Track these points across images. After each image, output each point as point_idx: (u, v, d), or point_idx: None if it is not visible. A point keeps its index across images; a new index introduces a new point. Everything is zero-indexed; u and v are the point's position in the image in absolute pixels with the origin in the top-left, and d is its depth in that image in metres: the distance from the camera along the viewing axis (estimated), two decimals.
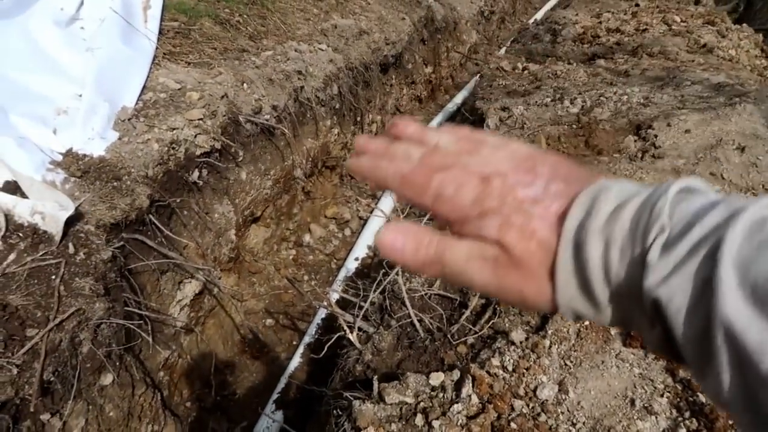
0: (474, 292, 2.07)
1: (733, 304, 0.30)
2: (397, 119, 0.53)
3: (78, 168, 2.07)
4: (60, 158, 2.09)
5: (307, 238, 3.58)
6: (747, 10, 8.55)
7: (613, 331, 1.84)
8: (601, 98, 3.47)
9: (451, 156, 0.47)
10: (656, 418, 1.60)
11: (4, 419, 1.51)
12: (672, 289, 0.33)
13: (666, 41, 4.84)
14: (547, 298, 0.39)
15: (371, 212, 3.72)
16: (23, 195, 1.94)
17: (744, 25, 5.77)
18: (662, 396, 1.66)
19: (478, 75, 5.37)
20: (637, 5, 6.27)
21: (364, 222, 3.74)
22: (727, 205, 0.34)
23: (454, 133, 0.51)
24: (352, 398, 1.70)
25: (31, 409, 1.58)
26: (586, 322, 1.86)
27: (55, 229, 1.83)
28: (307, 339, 2.82)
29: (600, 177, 0.42)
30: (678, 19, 5.46)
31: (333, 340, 2.03)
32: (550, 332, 1.85)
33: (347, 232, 3.74)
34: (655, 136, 2.87)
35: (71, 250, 1.85)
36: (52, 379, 1.64)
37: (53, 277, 1.77)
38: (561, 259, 0.38)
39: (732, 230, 0.32)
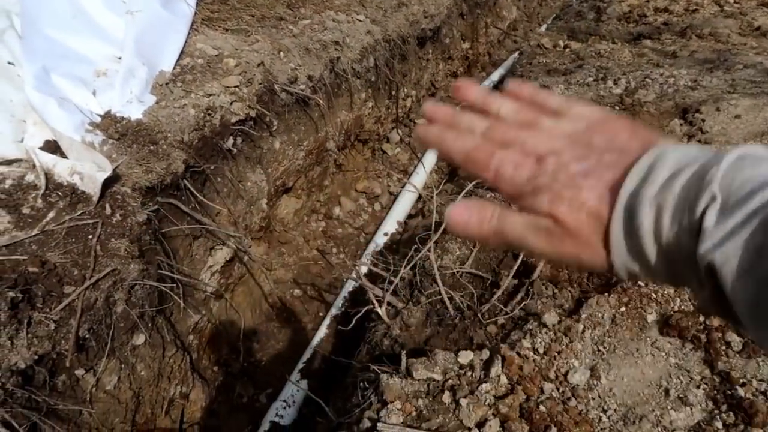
0: (506, 272, 2.04)
1: None
2: (460, 82, 0.55)
3: (116, 130, 2.09)
4: (99, 120, 2.10)
5: (337, 210, 3.58)
6: None
7: (650, 318, 1.79)
8: (647, 79, 3.34)
9: (512, 130, 0.50)
10: (691, 409, 1.56)
11: (42, 372, 1.55)
12: (726, 254, 0.34)
13: (717, 22, 4.62)
14: (602, 261, 0.42)
15: (402, 187, 3.69)
16: (63, 155, 1.96)
17: None
18: (698, 387, 1.61)
19: (518, 52, 5.23)
20: None
21: (394, 197, 3.71)
22: None
23: (515, 99, 0.54)
24: (379, 371, 1.69)
25: (67, 364, 1.62)
26: (622, 308, 1.81)
27: (93, 189, 1.85)
28: (333, 311, 2.83)
29: (660, 141, 0.44)
30: None
31: (362, 313, 2.02)
32: (584, 317, 1.80)
33: (377, 206, 3.72)
34: (703, 120, 2.75)
35: (108, 211, 1.87)
36: (87, 336, 1.68)
37: (90, 236, 1.79)
38: (614, 226, 0.40)
39: None
